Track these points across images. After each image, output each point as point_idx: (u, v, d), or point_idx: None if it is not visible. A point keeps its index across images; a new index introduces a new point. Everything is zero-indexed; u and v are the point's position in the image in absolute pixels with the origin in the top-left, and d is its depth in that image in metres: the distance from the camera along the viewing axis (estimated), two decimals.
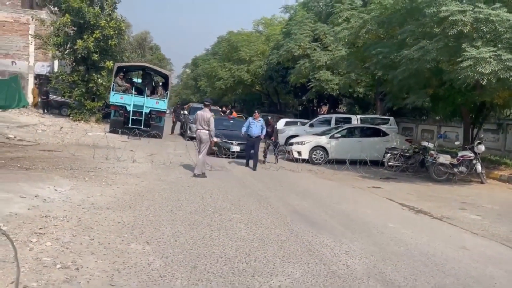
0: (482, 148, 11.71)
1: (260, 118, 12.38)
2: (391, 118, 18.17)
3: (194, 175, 9.67)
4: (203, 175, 9.77)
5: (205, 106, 10.36)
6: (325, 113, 27.64)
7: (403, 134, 21.96)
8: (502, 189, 11.17)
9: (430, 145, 12.39)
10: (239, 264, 4.38)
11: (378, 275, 4.43)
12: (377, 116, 19.04)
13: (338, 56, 16.22)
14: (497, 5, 9.19)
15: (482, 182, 11.68)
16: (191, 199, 7.30)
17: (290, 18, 25.22)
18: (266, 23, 34.12)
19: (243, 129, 12.45)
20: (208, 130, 9.93)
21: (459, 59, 8.98)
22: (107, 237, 4.82)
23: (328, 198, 8.69)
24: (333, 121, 17.86)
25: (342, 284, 4.11)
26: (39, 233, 4.67)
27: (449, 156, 11.72)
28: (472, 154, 11.65)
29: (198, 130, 10.05)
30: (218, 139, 12.83)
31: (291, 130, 18.27)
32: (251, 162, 12.20)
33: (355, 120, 17.76)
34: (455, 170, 11.63)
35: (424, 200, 9.04)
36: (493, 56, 8.60)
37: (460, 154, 11.79)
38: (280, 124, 19.78)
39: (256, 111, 12.59)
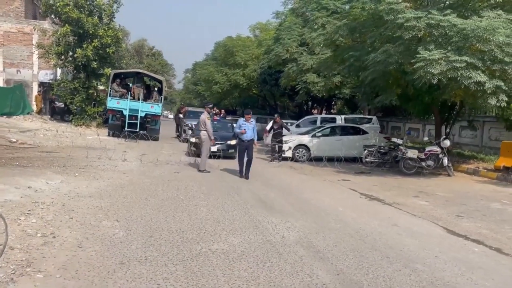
0: (447, 143, 12.54)
1: (252, 120, 10.99)
2: (374, 117, 19.05)
3: (199, 171, 10.94)
4: (205, 171, 10.95)
5: (205, 109, 11.88)
6: (317, 114, 28.49)
7: (392, 133, 22.86)
8: (465, 180, 11.99)
9: (399, 141, 13.26)
10: (189, 235, 5.32)
11: (305, 243, 5.33)
12: (361, 116, 19.93)
13: (321, 60, 17.12)
14: (448, 11, 10.06)
15: (449, 175, 12.49)
16: (167, 190, 8.25)
17: (280, 23, 26.26)
18: (261, 28, 35.16)
19: (236, 131, 11.24)
20: (206, 130, 11.26)
21: (412, 61, 9.86)
22: (84, 216, 5.77)
23: (295, 189, 9.58)
24: (318, 121, 18.77)
25: (271, 248, 5.02)
26: (27, 213, 5.63)
27: (416, 151, 12.56)
28: (438, 149, 12.48)
29: (200, 132, 11.42)
30: (197, 140, 13.65)
31: (284, 131, 19.12)
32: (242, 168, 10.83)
33: (340, 120, 18.64)
34: (423, 164, 12.47)
35: (384, 190, 9.91)
36: (443, 58, 9.47)
37: (427, 149, 12.63)
38: (270, 125, 20.68)
39: (245, 113, 11.15)
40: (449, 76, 9.43)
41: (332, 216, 6.96)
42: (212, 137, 11.45)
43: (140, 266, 4.14)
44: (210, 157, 13.15)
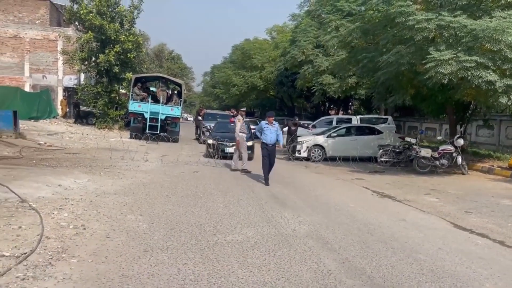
0: (461, 142, 12.66)
1: (275, 123, 10.35)
2: (389, 117, 19.17)
3: (238, 170, 11.58)
4: (246, 171, 11.46)
5: (240, 114, 12.71)
6: (334, 115, 28.68)
7: (409, 133, 22.92)
8: (479, 178, 12.10)
9: (413, 141, 13.43)
10: (207, 227, 5.74)
11: (315, 235, 5.69)
12: (377, 116, 20.08)
13: (336, 61, 17.39)
14: (458, 12, 10.25)
15: (463, 173, 12.61)
16: (186, 187, 8.72)
17: (296, 26, 26.59)
18: (278, 30, 35.57)
19: (257, 134, 10.68)
20: (245, 133, 12.07)
21: (423, 61, 10.09)
22: (110, 211, 6.27)
23: (308, 187, 9.92)
24: (334, 122, 19.03)
25: (282, 239, 5.40)
26: (59, 208, 6.15)
27: (430, 150, 12.72)
28: (452, 148, 12.62)
29: (239, 134, 12.02)
30: (215, 141, 14.15)
31: (298, 132, 19.45)
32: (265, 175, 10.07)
33: (355, 120, 18.86)
34: (437, 162, 12.62)
35: (396, 188, 10.16)
36: (453, 58, 9.67)
37: (441, 148, 12.78)
38: (285, 128, 21.06)
39: (267, 115, 10.43)
40: (460, 76, 9.63)
41: (342, 211, 7.29)
42: (245, 139, 12.12)
43: (162, 254, 4.58)
44: (226, 157, 13.81)
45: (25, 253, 4.21)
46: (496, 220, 7.07)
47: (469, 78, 9.55)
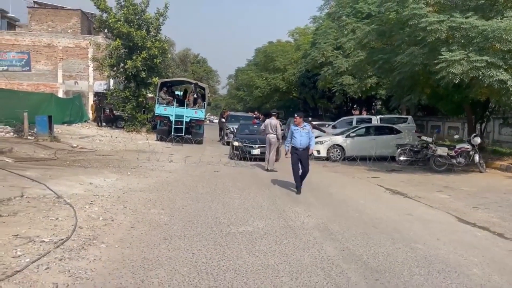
0: (478, 140, 12.76)
1: (306, 124, 9.37)
2: (409, 117, 19.26)
3: (267, 170, 12.17)
4: (273, 170, 12.09)
5: (272, 116, 13.39)
6: (357, 114, 28.80)
7: (431, 132, 22.88)
8: (496, 176, 12.18)
9: (429, 139, 13.59)
10: (222, 220, 6.29)
11: (322, 227, 6.14)
12: (397, 115, 20.21)
13: (355, 62, 17.69)
14: (470, 13, 10.45)
15: (480, 172, 12.71)
16: (206, 185, 9.30)
17: (316, 28, 26.95)
18: (300, 32, 35.95)
19: (287, 141, 9.52)
20: (276, 134, 12.64)
21: (435, 61, 10.35)
22: (135, 206, 6.91)
23: (323, 184, 10.33)
24: (354, 122, 19.29)
25: (290, 231, 5.88)
26: (90, 203, 6.83)
27: (446, 149, 12.87)
28: (469, 146, 12.74)
29: (268, 135, 12.71)
30: (240, 143, 14.55)
31: (315, 132, 19.83)
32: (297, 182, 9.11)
33: (375, 120, 19.06)
34: (454, 161, 12.77)
35: (410, 186, 10.43)
36: (464, 58, 9.90)
37: (458, 146, 12.92)
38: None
39: (296, 115, 9.46)
40: (471, 75, 9.85)
41: (352, 207, 7.69)
42: (280, 140, 12.87)
43: (179, 241, 5.15)
44: (250, 159, 14.20)
45: (62, 239, 4.86)
46: (501, 214, 7.32)
47: (480, 77, 9.75)
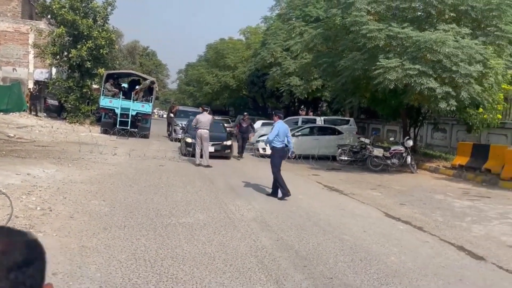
0: (410, 143, 13.76)
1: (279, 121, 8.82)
2: (351, 119, 20.28)
3: (198, 165, 12.17)
4: (208, 166, 12.11)
5: (204, 111, 13.16)
6: (304, 115, 29.68)
7: (372, 134, 24.11)
8: (424, 177, 13.18)
9: (367, 141, 14.45)
10: (163, 212, 6.43)
11: (260, 220, 6.45)
12: (340, 117, 21.16)
13: (301, 64, 18.32)
14: (406, 24, 11.26)
15: (412, 172, 13.68)
16: (149, 179, 9.35)
17: (267, 28, 27.48)
18: (251, 31, 36.38)
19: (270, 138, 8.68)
20: (208, 130, 12.60)
21: (373, 67, 11.05)
22: (75, 197, 6.86)
23: (266, 180, 10.59)
24: (299, 122, 19.94)
25: (229, 222, 6.14)
26: (27, 193, 6.70)
27: (382, 150, 13.73)
28: (403, 148, 13.67)
29: (200, 130, 12.49)
30: (194, 140, 14.33)
31: (263, 130, 20.24)
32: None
33: (319, 121, 19.83)
34: (388, 161, 13.65)
35: (347, 184, 11.06)
36: (399, 66, 10.66)
37: (392, 148, 13.82)
38: (257, 125, 21.85)
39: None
40: (404, 82, 10.62)
41: (290, 202, 8.08)
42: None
43: (119, 231, 5.24)
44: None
45: None
46: (423, 210, 8.02)
47: (412, 84, 10.54)
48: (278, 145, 8.57)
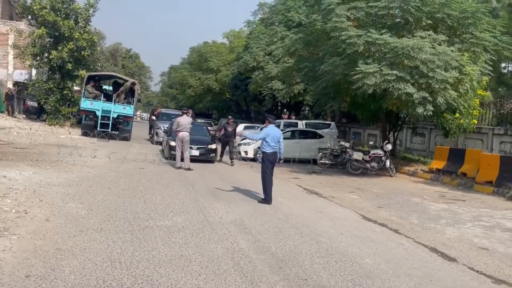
0: (389, 147, 13.99)
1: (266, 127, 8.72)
2: (332, 123, 20.50)
3: (179, 168, 12.13)
4: (189, 169, 12.04)
5: (184, 113, 13.30)
6: (286, 118, 29.87)
7: (353, 138, 24.42)
8: (403, 180, 13.42)
9: (347, 144, 14.65)
10: (141, 215, 6.41)
11: (238, 222, 6.49)
12: (321, 121, 21.38)
13: (283, 69, 18.49)
14: (384, 30, 11.49)
15: (391, 176, 13.91)
16: (129, 182, 9.29)
17: (250, 32, 27.62)
18: (235, 35, 36.49)
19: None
20: (189, 132, 12.61)
21: (352, 72, 11.24)
22: (52, 200, 6.79)
23: (246, 183, 10.74)
24: (281, 125, 20.05)
25: (208, 225, 6.16)
26: (2, 196, 6.60)
27: (361, 154, 13.94)
28: (382, 152, 13.90)
29: (180, 132, 12.43)
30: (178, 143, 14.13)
31: (245, 133, 20.29)
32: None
33: (301, 124, 20.00)
34: (368, 165, 13.85)
35: (327, 187, 11.19)
36: (377, 71, 10.87)
37: (372, 152, 14.04)
38: (240, 128, 21.87)
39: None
40: (382, 87, 10.83)
41: (270, 205, 8.14)
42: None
43: (96, 234, 5.22)
44: (192, 160, 13.23)
45: None
46: (400, 213, 8.18)
47: (390, 89, 10.75)
48: (267, 150, 8.56)
